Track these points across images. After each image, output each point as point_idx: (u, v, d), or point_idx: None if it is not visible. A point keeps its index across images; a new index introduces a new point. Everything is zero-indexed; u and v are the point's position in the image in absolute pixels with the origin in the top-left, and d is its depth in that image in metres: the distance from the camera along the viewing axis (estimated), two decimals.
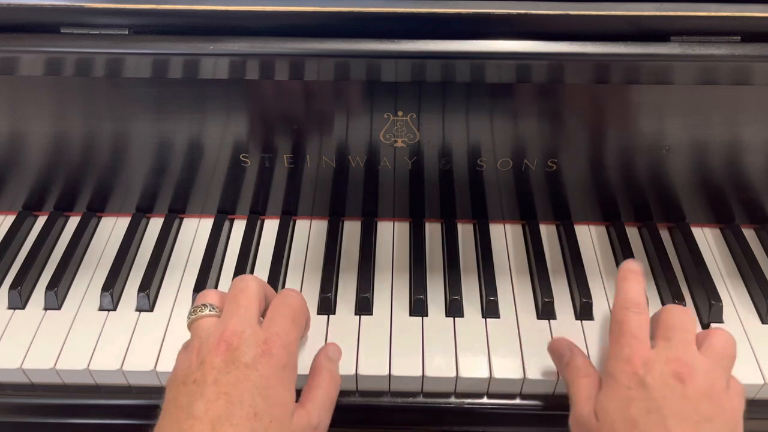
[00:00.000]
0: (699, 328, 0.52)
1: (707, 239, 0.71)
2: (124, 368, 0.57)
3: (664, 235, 0.70)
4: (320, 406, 0.51)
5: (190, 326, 0.51)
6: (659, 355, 0.48)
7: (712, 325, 0.61)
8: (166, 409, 0.47)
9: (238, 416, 0.45)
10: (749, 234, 0.71)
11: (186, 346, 0.51)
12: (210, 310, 0.51)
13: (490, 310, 0.62)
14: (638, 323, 0.50)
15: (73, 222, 0.71)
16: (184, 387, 0.47)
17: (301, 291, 0.64)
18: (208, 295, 0.53)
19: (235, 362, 0.47)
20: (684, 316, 0.51)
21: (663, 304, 0.63)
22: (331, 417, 0.52)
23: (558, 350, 0.55)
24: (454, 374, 0.57)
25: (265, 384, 0.47)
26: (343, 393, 0.58)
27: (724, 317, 0.62)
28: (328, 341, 0.59)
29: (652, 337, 0.50)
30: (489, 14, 0.55)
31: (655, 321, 0.51)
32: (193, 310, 0.52)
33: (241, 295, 0.51)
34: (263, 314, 0.52)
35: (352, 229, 0.71)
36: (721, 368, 0.49)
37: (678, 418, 0.45)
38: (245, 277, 0.53)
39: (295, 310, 0.52)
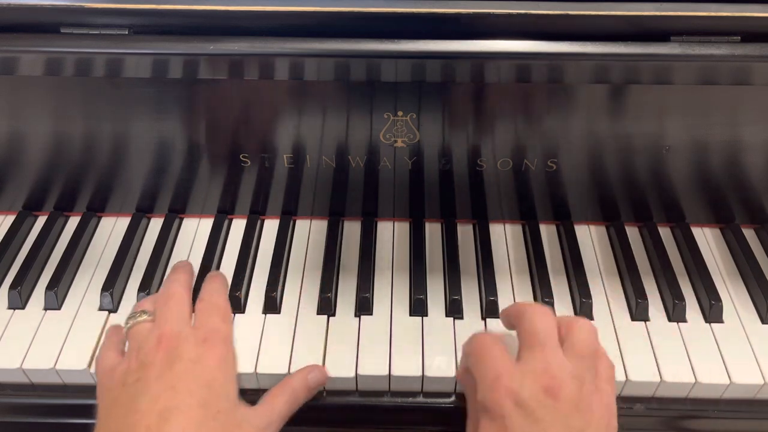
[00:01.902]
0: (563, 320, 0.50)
1: (707, 239, 0.71)
2: None
3: (664, 235, 0.70)
4: (271, 411, 0.52)
5: (127, 333, 0.52)
6: (526, 368, 0.46)
7: (713, 325, 0.61)
8: (107, 411, 0.47)
9: (187, 405, 0.45)
10: (749, 234, 0.71)
11: (109, 349, 0.52)
12: (147, 316, 0.52)
13: (490, 310, 0.62)
14: (492, 341, 0.49)
15: (73, 222, 0.71)
16: (124, 388, 0.47)
17: (300, 291, 0.64)
18: (145, 303, 0.54)
19: (179, 358, 0.48)
20: (543, 318, 0.49)
21: (663, 304, 0.63)
22: (280, 425, 0.52)
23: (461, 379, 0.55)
24: (454, 374, 0.57)
25: (210, 376, 0.48)
26: (343, 393, 0.58)
27: (724, 317, 0.62)
28: (328, 341, 0.59)
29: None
30: (489, 14, 0.55)
31: (517, 326, 0.50)
32: (132, 316, 0.53)
33: (171, 300, 0.53)
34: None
35: (352, 229, 0.71)
36: (586, 368, 0.47)
37: None
38: (169, 283, 0.56)
39: (221, 310, 0.54)
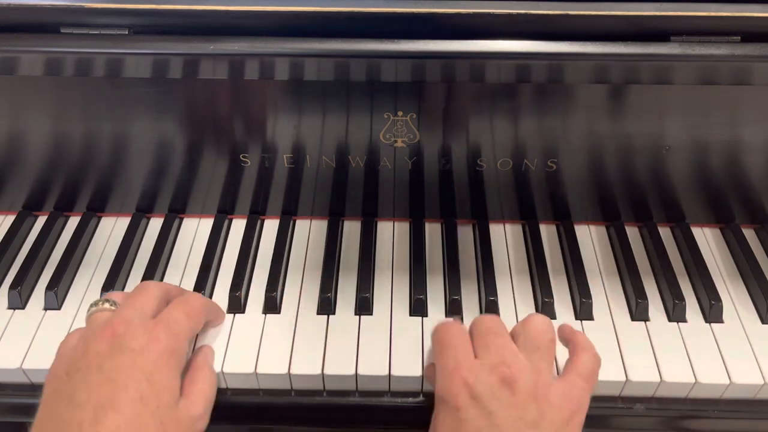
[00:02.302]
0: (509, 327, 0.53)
1: (707, 239, 0.71)
2: None
3: (664, 235, 0.70)
4: (204, 398, 0.51)
5: (87, 319, 0.52)
6: (483, 364, 0.48)
7: (713, 325, 0.61)
8: (47, 401, 0.47)
9: (123, 401, 0.44)
10: (749, 234, 0.71)
11: (73, 334, 0.52)
12: (110, 306, 0.52)
13: (489, 310, 0.62)
14: (457, 332, 0.50)
15: (73, 222, 0.71)
16: (67, 377, 0.46)
17: (300, 291, 0.64)
18: (113, 294, 0.54)
19: (121, 347, 0.47)
20: (491, 321, 0.51)
21: (663, 304, 0.63)
22: (210, 414, 0.52)
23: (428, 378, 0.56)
24: None
25: (152, 369, 0.47)
26: (343, 393, 0.58)
27: (724, 317, 0.62)
28: (327, 341, 0.59)
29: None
30: (489, 14, 0.55)
31: (471, 329, 0.51)
32: (95, 304, 0.52)
33: (138, 293, 0.53)
34: None
35: (352, 229, 0.71)
36: (542, 359, 0.48)
37: (506, 430, 0.44)
38: (148, 282, 0.55)
39: (191, 306, 0.53)
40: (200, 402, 0.51)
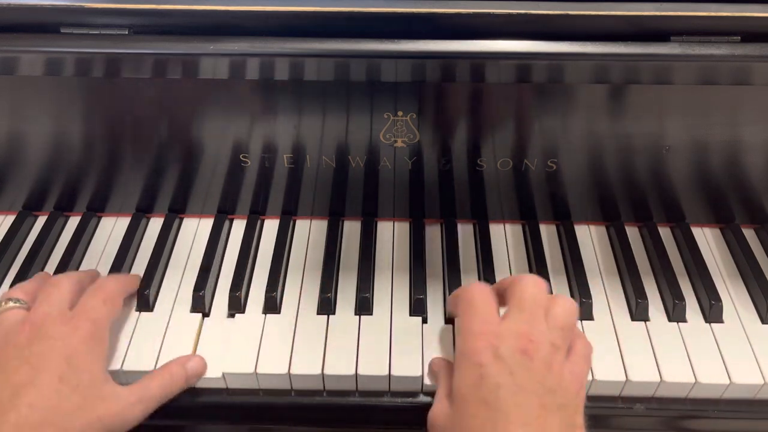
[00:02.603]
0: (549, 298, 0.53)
1: (707, 239, 0.71)
2: (124, 368, 0.57)
3: (664, 235, 0.70)
4: (144, 390, 0.53)
5: None
6: (510, 328, 0.49)
7: (713, 325, 0.61)
8: None
9: (42, 380, 0.47)
10: (749, 234, 0.71)
11: None
12: (16, 303, 0.53)
13: None
14: (484, 292, 0.52)
15: (73, 222, 0.71)
16: None
17: (300, 291, 0.64)
18: (14, 291, 0.55)
19: (40, 337, 0.49)
20: (538, 288, 0.52)
21: (663, 304, 0.63)
22: (150, 412, 0.53)
23: (433, 370, 0.56)
24: None
25: (71, 353, 0.49)
26: (343, 393, 0.58)
27: (724, 317, 0.62)
28: (327, 341, 0.59)
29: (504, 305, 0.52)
30: (489, 14, 0.55)
31: (509, 289, 0.52)
32: (2, 304, 0.53)
33: (52, 288, 0.54)
34: None
35: (352, 229, 0.71)
36: (561, 338, 0.50)
37: (526, 391, 0.46)
38: (59, 276, 0.57)
39: (107, 292, 0.55)
40: (138, 392, 0.52)
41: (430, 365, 0.57)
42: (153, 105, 0.63)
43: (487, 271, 0.65)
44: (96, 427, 0.49)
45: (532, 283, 0.52)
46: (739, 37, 0.56)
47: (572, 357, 0.50)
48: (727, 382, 0.56)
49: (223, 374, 0.57)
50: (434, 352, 0.58)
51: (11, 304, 0.53)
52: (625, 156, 0.65)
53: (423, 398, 0.58)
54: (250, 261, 0.67)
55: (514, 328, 0.49)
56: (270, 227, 0.71)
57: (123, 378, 0.58)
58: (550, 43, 0.55)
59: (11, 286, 0.63)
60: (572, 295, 0.64)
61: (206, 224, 0.71)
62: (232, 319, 0.62)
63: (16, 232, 0.70)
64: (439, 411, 0.50)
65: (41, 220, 0.72)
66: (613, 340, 0.60)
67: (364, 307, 0.62)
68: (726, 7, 0.55)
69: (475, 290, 0.52)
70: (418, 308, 0.62)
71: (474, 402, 0.46)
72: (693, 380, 0.56)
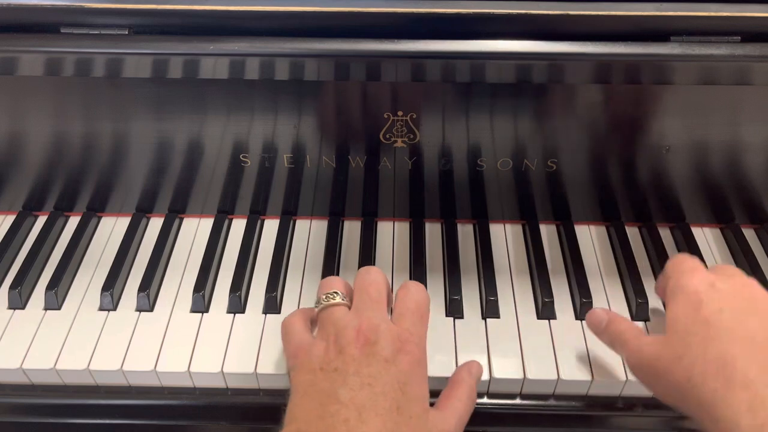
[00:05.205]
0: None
1: (707, 239, 0.71)
2: (124, 368, 0.57)
3: (664, 235, 0.70)
4: (457, 416, 0.50)
5: (320, 313, 0.52)
6: (720, 270, 0.51)
7: None
8: (304, 390, 0.47)
9: (383, 407, 0.45)
10: (749, 234, 0.71)
11: (299, 320, 0.52)
12: (341, 299, 0.51)
13: (490, 310, 0.62)
14: (693, 260, 0.53)
15: (73, 222, 0.71)
16: (322, 373, 0.47)
17: (300, 291, 0.64)
18: (335, 282, 0.53)
19: (375, 355, 0.47)
20: (692, 262, 0.53)
21: (663, 305, 0.63)
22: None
23: (595, 320, 0.55)
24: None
25: (405, 380, 0.47)
26: None
27: None
28: None
29: None
30: (489, 14, 0.55)
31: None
32: (324, 297, 0.52)
33: (371, 287, 0.52)
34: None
35: (352, 229, 0.71)
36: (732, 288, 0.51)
37: (746, 313, 0.47)
38: (371, 269, 0.54)
39: (421, 306, 0.52)
40: (452, 418, 0.50)
41: (591, 317, 0.56)
42: (153, 105, 0.63)
43: (487, 271, 0.65)
44: None
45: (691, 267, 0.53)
46: (739, 37, 0.56)
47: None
48: None
49: (224, 374, 0.57)
50: (434, 351, 0.58)
51: (338, 299, 0.51)
52: (625, 156, 0.65)
53: None
54: (250, 261, 0.67)
55: (725, 270, 0.51)
56: (270, 227, 0.71)
57: (122, 378, 0.58)
58: (550, 43, 0.55)
59: (11, 286, 0.63)
60: (572, 295, 0.64)
61: (206, 224, 0.71)
62: (232, 319, 0.62)
63: (16, 232, 0.70)
64: (646, 348, 0.49)
65: (41, 220, 0.72)
66: None
67: None
68: (726, 7, 0.55)
69: (681, 255, 0.54)
70: None
71: (696, 326, 0.47)
72: None
